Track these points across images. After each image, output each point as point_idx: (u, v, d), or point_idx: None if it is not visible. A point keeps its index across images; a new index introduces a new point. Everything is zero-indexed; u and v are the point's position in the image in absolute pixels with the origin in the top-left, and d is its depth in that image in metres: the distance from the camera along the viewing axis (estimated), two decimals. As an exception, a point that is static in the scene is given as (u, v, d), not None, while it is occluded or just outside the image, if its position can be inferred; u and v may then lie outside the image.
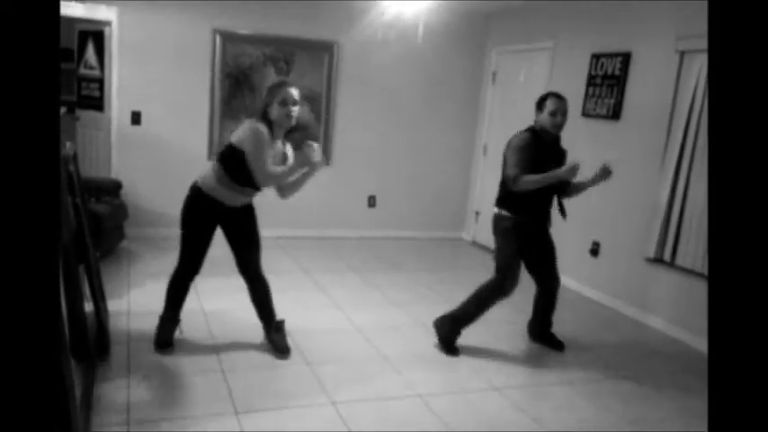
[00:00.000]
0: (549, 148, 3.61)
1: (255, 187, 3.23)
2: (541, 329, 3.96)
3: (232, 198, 3.24)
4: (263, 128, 3.07)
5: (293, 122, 3.16)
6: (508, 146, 3.59)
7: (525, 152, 3.49)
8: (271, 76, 5.75)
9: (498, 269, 3.65)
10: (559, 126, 3.54)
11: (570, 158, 3.72)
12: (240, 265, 3.43)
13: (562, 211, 3.80)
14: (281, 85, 3.14)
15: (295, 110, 3.12)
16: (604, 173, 3.57)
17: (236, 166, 3.13)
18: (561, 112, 3.51)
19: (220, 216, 3.31)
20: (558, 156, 3.67)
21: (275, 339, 3.48)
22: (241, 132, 3.12)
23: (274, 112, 3.10)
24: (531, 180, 3.43)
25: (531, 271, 3.84)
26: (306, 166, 3.11)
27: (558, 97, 3.55)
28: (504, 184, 3.65)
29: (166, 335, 3.40)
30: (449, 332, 3.72)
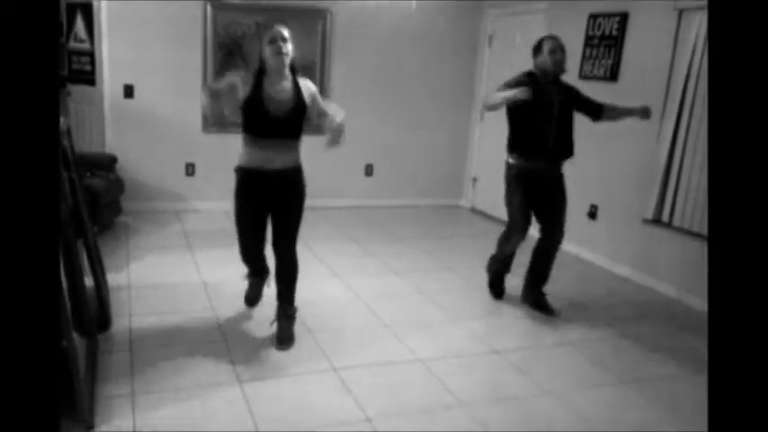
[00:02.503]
0: (554, 90, 3.64)
1: (275, 134, 3.11)
2: (534, 287, 3.93)
3: (265, 158, 3.11)
4: (234, 74, 3.15)
5: (286, 60, 3.04)
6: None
7: (512, 84, 3.57)
8: (263, 45, 5.66)
9: (507, 216, 3.89)
10: (560, 63, 3.62)
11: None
12: (273, 238, 3.29)
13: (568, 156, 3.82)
14: (270, 26, 3.09)
15: (285, 47, 3.02)
16: (645, 112, 3.71)
17: (246, 117, 3.10)
18: (560, 48, 3.61)
19: (265, 187, 3.17)
20: (565, 95, 3.70)
21: (281, 328, 3.27)
22: None
23: (266, 53, 3.03)
24: (495, 95, 3.51)
25: (538, 219, 3.88)
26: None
27: (554, 37, 3.68)
28: (511, 131, 3.77)
29: (252, 293, 3.69)
30: (491, 274, 4.11)
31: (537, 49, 3.67)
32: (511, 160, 3.78)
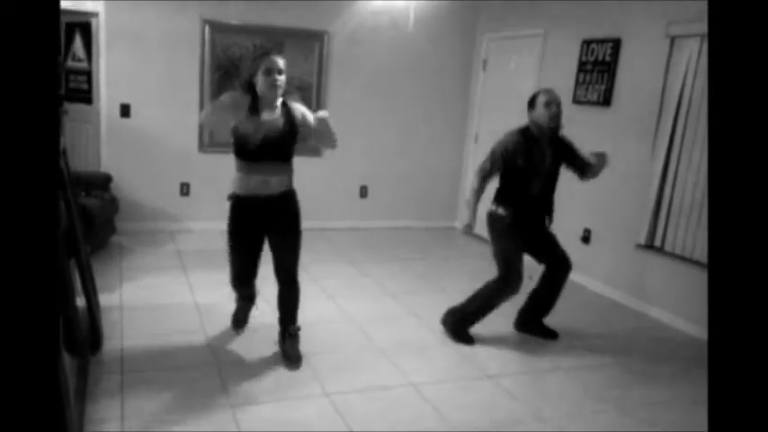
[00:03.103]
0: (547, 145, 3.57)
1: (270, 157, 3.08)
2: (535, 318, 3.91)
3: (261, 183, 3.09)
4: (227, 94, 3.08)
5: (279, 92, 3.03)
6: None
7: (509, 146, 3.51)
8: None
9: (500, 270, 3.63)
10: (556, 117, 3.49)
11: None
12: (274, 266, 3.27)
13: (550, 214, 3.76)
14: (266, 54, 3.04)
15: (280, 79, 3.00)
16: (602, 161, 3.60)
17: (242, 141, 3.05)
18: (555, 102, 3.49)
19: (261, 214, 3.16)
20: (561, 151, 3.63)
21: (287, 347, 3.29)
22: None
23: (259, 82, 3.00)
24: (474, 187, 3.56)
25: (540, 260, 3.79)
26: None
27: (549, 90, 3.57)
28: (501, 179, 3.64)
29: (240, 316, 3.67)
30: (455, 326, 3.78)
31: (531, 104, 3.56)
32: (501, 211, 3.61)
